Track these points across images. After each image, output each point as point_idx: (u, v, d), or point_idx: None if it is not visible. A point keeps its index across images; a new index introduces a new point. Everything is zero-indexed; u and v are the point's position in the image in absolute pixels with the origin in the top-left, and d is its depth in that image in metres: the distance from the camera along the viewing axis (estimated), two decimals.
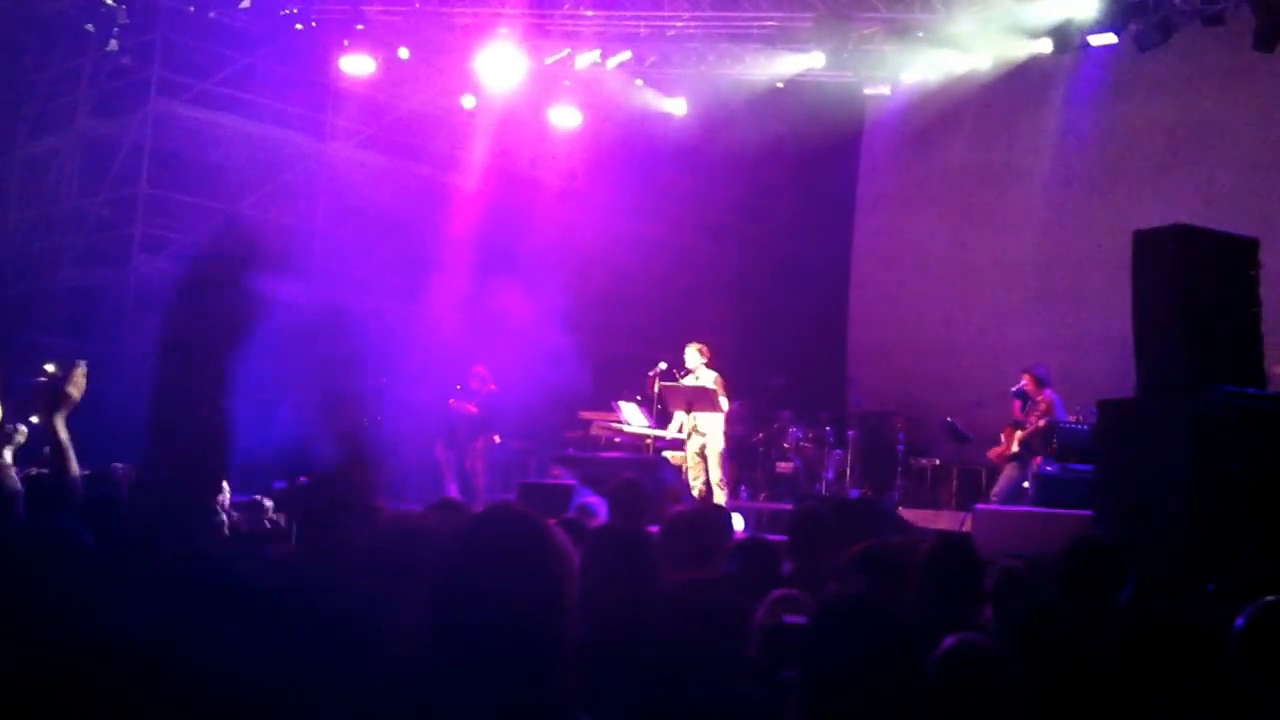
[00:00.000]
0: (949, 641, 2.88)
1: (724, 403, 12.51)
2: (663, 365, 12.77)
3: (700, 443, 12.45)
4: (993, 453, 12.45)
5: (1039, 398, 12.11)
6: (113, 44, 15.03)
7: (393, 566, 2.51)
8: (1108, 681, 2.82)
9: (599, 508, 7.09)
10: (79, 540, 2.75)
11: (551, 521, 2.45)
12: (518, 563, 2.25)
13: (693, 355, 12.66)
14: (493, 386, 14.31)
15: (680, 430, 12.64)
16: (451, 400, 14.20)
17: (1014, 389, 12.68)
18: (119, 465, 7.61)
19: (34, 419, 3.85)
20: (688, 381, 12.57)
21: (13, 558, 2.67)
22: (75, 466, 3.99)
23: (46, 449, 3.95)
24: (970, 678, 2.65)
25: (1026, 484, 11.71)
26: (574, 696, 2.27)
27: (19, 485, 4.00)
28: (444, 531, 2.56)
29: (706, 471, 12.40)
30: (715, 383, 12.50)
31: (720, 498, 11.94)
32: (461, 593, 2.24)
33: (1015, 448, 12.13)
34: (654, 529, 5.33)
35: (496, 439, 14.41)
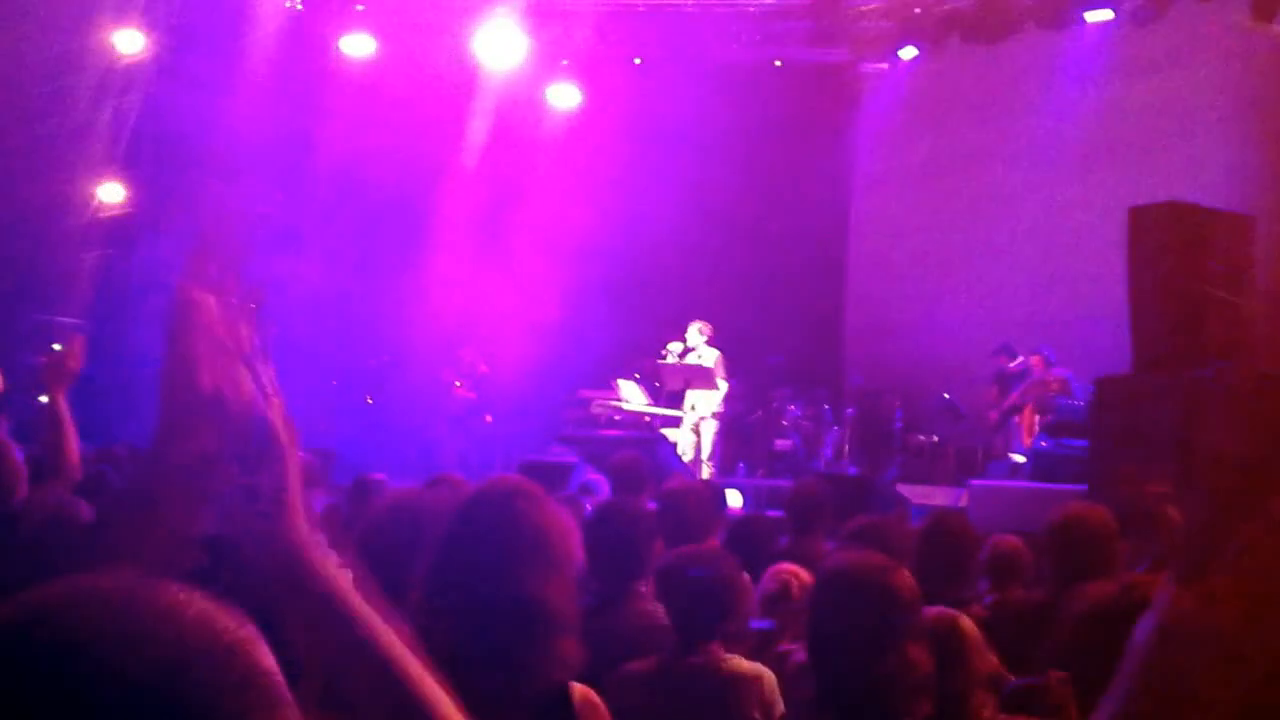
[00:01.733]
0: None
1: (722, 383, 12.62)
2: (674, 346, 12.83)
3: (695, 419, 12.60)
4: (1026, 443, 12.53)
5: (1049, 377, 12.19)
6: (114, 26, 15.08)
7: (395, 542, 2.54)
8: (1090, 653, 2.87)
9: (601, 485, 7.15)
10: (76, 515, 2.80)
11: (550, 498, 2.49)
12: (510, 533, 2.29)
13: (694, 333, 12.77)
14: (483, 368, 14.40)
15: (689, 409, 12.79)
16: (453, 387, 14.31)
17: (1014, 364, 12.81)
18: (122, 445, 7.66)
19: (43, 398, 3.88)
20: (690, 359, 12.68)
21: (14, 532, 2.72)
22: (75, 444, 4.03)
23: (47, 425, 3.98)
24: (940, 649, 2.71)
25: (1022, 458, 11.80)
26: (569, 665, 2.31)
27: (22, 463, 4.04)
28: (444, 506, 2.60)
29: (698, 449, 12.55)
30: (716, 361, 12.62)
31: (706, 473, 12.04)
32: (456, 563, 2.28)
33: (1030, 439, 12.19)
34: (652, 505, 5.39)
35: (488, 419, 14.50)
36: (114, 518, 1.47)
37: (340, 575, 1.20)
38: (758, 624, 3.94)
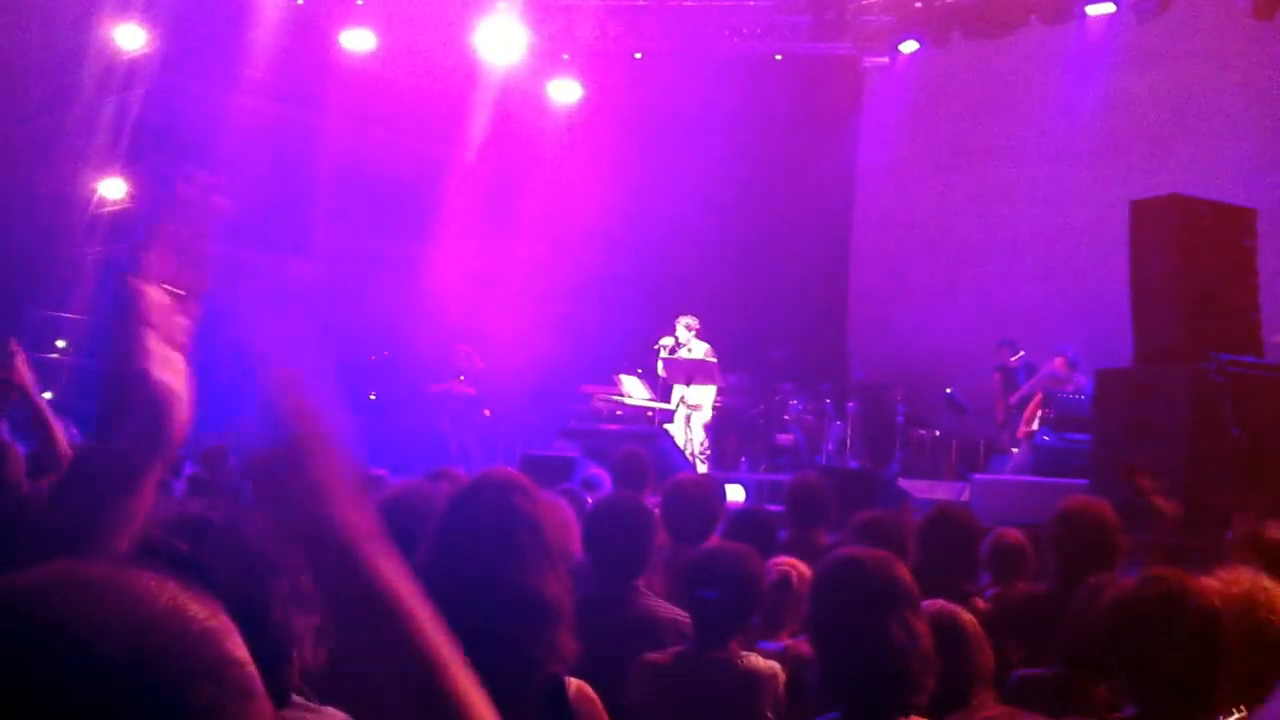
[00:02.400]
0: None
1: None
2: (666, 340, 12.85)
3: (687, 413, 12.62)
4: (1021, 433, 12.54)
5: (1069, 376, 12.18)
6: (116, 21, 15.12)
7: (396, 536, 2.53)
8: (1109, 645, 2.85)
9: (603, 480, 7.13)
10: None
11: (549, 492, 2.49)
12: (503, 525, 2.28)
13: (682, 329, 12.77)
14: (480, 363, 14.43)
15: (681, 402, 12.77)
16: (453, 382, 14.34)
17: (1015, 358, 12.81)
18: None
19: (47, 394, 3.87)
20: (681, 354, 12.69)
21: (12, 528, 2.71)
22: (62, 439, 4.02)
23: (34, 425, 3.99)
24: (940, 644, 2.70)
25: (1015, 449, 11.82)
26: (564, 658, 2.29)
27: (21, 460, 4.04)
28: (442, 499, 2.60)
29: (690, 443, 12.58)
30: (708, 354, 12.63)
31: (701, 468, 12.05)
32: (450, 555, 2.28)
33: (1035, 425, 12.19)
34: (653, 499, 5.38)
35: (487, 413, 14.52)
36: (64, 505, 1.46)
37: (393, 568, 1.19)
38: (765, 644, 3.94)
